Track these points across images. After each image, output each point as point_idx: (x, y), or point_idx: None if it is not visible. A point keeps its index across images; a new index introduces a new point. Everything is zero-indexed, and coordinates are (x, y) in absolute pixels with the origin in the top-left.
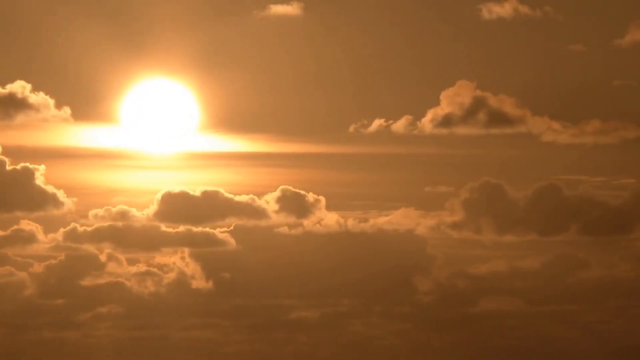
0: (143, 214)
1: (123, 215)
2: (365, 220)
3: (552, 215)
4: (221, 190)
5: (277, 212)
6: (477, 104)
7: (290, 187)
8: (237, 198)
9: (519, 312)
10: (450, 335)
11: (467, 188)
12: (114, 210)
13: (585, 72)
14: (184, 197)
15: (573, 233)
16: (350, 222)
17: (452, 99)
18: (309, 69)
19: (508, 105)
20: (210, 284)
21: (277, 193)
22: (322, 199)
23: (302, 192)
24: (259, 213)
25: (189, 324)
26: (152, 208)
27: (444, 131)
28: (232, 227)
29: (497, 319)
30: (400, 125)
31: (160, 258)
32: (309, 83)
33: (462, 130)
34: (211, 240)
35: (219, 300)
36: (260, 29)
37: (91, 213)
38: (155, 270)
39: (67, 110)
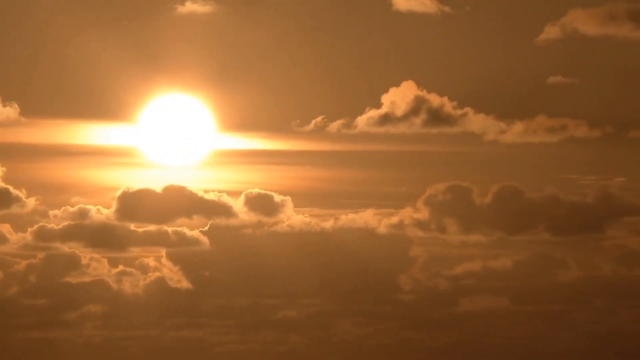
0: (104, 211)
1: (84, 214)
2: (333, 219)
3: (519, 214)
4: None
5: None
6: (420, 104)
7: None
8: (207, 196)
9: (506, 311)
10: (441, 334)
11: (432, 188)
12: (72, 208)
13: (519, 69)
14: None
15: (541, 232)
16: (317, 222)
17: (394, 99)
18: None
19: (449, 105)
20: (188, 284)
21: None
22: (289, 198)
23: (269, 192)
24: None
25: (177, 323)
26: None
27: (391, 130)
28: (207, 227)
29: (485, 318)
30: (339, 124)
31: (135, 257)
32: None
33: (403, 129)
34: (183, 239)
35: (200, 300)
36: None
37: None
38: (132, 270)
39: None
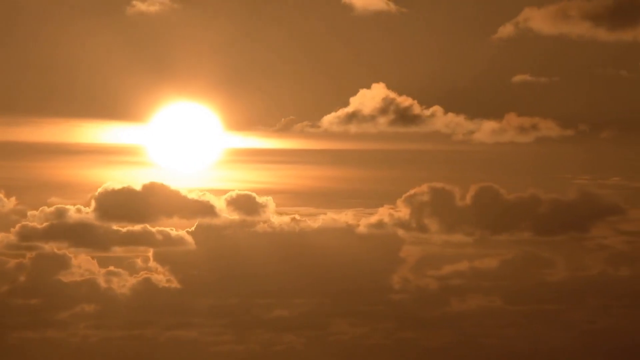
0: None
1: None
2: (317, 219)
3: (501, 214)
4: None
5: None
6: (389, 105)
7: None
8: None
9: (500, 311)
10: (435, 334)
11: (413, 188)
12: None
13: (482, 69)
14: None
15: (523, 232)
16: (301, 221)
17: (363, 100)
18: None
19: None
20: (177, 283)
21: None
22: (271, 198)
23: (251, 192)
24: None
25: (171, 323)
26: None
27: (360, 129)
28: (194, 228)
29: (478, 318)
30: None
31: (121, 256)
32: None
33: (372, 128)
34: (169, 239)
35: (191, 300)
36: None
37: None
38: (120, 270)
39: None
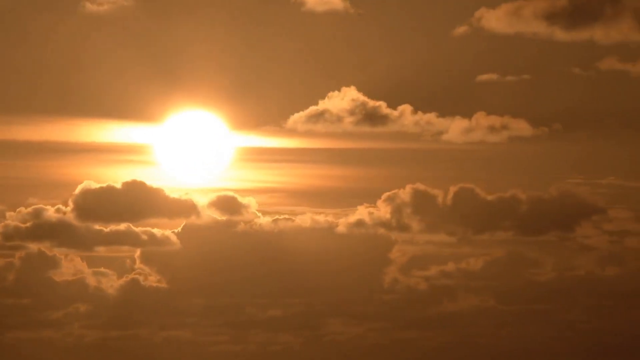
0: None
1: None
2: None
3: (482, 214)
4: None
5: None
6: (358, 105)
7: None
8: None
9: (494, 310)
10: (433, 334)
11: (392, 188)
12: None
13: (444, 67)
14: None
15: (506, 231)
16: (284, 221)
17: (333, 101)
18: None
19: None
20: (165, 283)
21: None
22: (253, 199)
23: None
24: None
25: (166, 323)
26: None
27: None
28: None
29: (473, 317)
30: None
31: (105, 256)
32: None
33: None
34: (154, 239)
35: (181, 300)
36: None
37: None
38: (108, 270)
39: None
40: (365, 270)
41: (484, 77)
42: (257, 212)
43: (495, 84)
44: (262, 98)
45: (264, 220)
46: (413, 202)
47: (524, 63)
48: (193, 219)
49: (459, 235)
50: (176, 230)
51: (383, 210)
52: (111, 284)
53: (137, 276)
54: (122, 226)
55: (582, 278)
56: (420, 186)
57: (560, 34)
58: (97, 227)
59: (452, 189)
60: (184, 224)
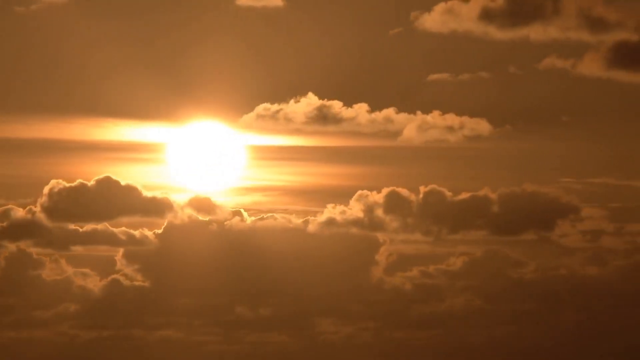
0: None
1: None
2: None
3: (453, 213)
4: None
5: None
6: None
7: None
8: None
9: (481, 310)
10: (423, 333)
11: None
12: None
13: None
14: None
15: (480, 231)
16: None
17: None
18: None
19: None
20: (147, 283)
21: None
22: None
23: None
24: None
25: (157, 323)
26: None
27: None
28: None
29: (462, 317)
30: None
31: (85, 255)
32: None
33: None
34: (133, 239)
35: (165, 299)
36: None
37: None
38: (88, 270)
39: None
40: (348, 270)
41: (435, 76)
42: (230, 212)
43: (446, 83)
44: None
45: (235, 220)
46: (386, 202)
47: (463, 62)
48: (170, 218)
49: (434, 235)
50: (158, 232)
51: (355, 209)
52: (95, 284)
53: (118, 277)
54: (100, 226)
55: (564, 278)
56: (393, 187)
57: (497, 33)
58: (72, 226)
59: (422, 189)
60: (165, 223)
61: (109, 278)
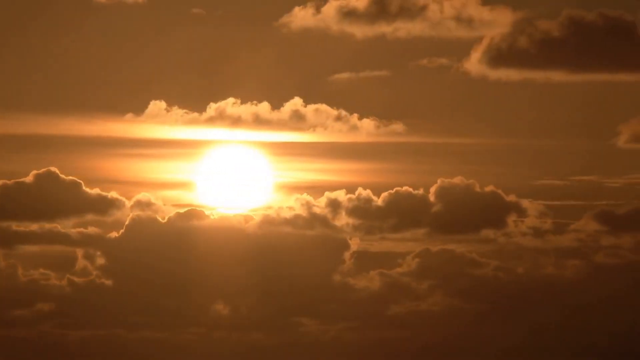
0: None
1: None
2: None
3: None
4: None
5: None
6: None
7: None
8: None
9: (461, 310)
10: (403, 332)
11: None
12: None
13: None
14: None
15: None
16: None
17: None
18: None
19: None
20: (112, 282)
21: None
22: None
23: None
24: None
25: (137, 322)
26: None
27: None
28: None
29: (442, 317)
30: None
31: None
32: None
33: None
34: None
35: (133, 299)
36: None
37: None
38: (48, 271)
39: None
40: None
41: (339, 76)
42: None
43: (350, 81)
44: None
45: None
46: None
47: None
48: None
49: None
50: (121, 232)
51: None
52: (59, 283)
53: (83, 275)
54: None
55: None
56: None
57: (359, 32)
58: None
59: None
60: (127, 220)
61: (75, 278)
